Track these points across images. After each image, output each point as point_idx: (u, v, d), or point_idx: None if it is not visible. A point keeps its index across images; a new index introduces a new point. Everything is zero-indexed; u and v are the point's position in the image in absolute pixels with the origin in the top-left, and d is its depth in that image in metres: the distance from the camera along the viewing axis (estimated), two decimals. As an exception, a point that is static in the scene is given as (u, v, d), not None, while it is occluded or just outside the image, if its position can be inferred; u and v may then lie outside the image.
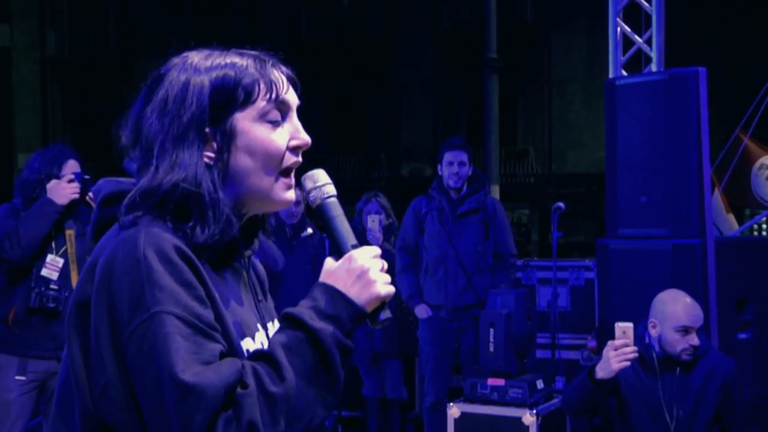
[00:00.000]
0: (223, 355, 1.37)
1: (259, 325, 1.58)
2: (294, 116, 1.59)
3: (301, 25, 22.70)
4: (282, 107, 1.56)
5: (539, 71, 21.66)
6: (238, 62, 1.55)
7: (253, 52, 1.59)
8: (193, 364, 1.31)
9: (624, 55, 5.89)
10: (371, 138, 22.95)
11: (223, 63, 1.54)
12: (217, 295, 1.44)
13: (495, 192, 13.33)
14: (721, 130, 13.08)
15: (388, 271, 1.54)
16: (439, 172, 5.94)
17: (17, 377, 4.39)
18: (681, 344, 3.96)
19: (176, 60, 1.56)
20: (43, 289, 4.36)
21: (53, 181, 4.38)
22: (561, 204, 6.02)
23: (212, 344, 1.36)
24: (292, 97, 1.59)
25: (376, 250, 1.53)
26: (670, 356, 3.98)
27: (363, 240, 6.12)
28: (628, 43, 5.90)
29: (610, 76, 5.75)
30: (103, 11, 23.82)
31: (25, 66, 23.96)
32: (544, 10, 21.48)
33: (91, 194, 4.34)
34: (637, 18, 5.88)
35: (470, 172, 5.91)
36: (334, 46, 22.19)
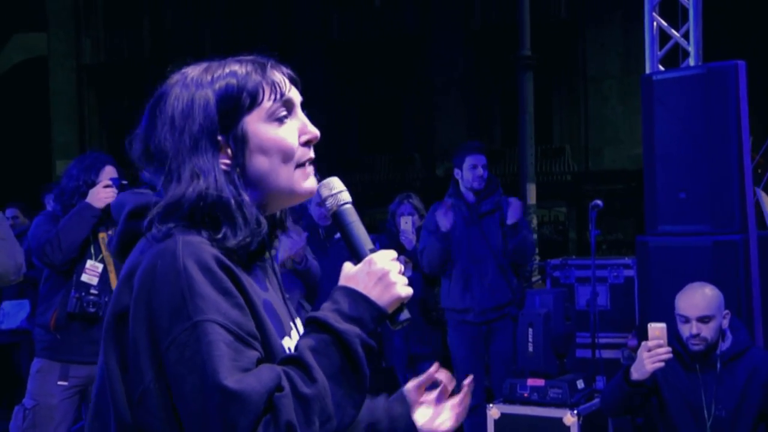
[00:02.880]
0: (259, 361, 1.41)
1: (291, 323, 1.63)
2: (300, 112, 1.62)
3: (333, 26, 22.75)
4: (287, 105, 1.59)
5: (574, 68, 21.50)
6: (238, 70, 1.58)
7: (250, 57, 1.61)
8: (234, 371, 1.35)
9: (661, 49, 5.82)
10: (405, 138, 22.93)
11: (223, 73, 1.57)
12: (256, 300, 1.48)
13: (531, 191, 13.26)
14: (760, 123, 12.90)
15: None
16: (457, 176, 5.91)
17: (59, 382, 4.43)
18: (684, 333, 3.94)
19: (176, 77, 1.60)
20: (83, 294, 4.40)
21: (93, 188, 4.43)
22: (599, 201, 5.96)
23: (250, 351, 1.40)
24: (295, 95, 1.62)
25: (393, 253, 1.57)
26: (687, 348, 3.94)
27: (397, 241, 6.11)
28: (664, 37, 5.83)
29: (647, 71, 5.67)
30: (137, 17, 24.06)
31: (61, 74, 24.27)
32: (579, 5, 21.32)
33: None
34: (673, 12, 5.80)
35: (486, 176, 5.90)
36: (366, 46, 22.21)
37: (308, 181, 1.60)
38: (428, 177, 21.70)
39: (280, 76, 1.59)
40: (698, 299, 3.93)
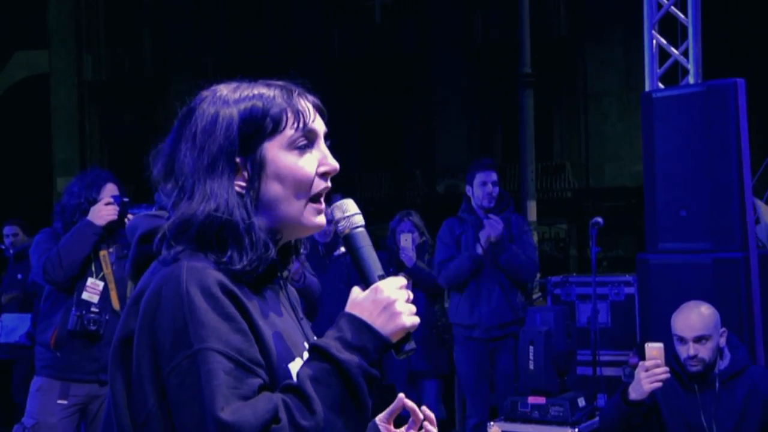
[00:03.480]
0: (263, 388, 1.41)
1: (305, 344, 1.61)
2: (322, 143, 1.62)
3: (334, 43, 22.83)
4: (310, 135, 1.59)
5: (574, 85, 21.56)
6: (266, 93, 1.58)
7: (280, 83, 1.62)
8: (232, 400, 1.35)
9: (660, 67, 5.83)
10: (406, 155, 22.96)
11: (250, 95, 1.57)
12: (261, 325, 1.47)
13: (532, 208, 13.27)
14: (760, 140, 12.92)
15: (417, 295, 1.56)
16: (468, 193, 5.92)
17: (59, 401, 4.42)
18: (682, 354, 3.92)
19: (205, 93, 1.60)
20: (84, 312, 4.40)
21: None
22: (599, 219, 5.95)
23: (252, 379, 1.40)
24: (319, 125, 1.62)
25: (402, 281, 1.55)
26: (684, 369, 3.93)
27: (396, 258, 6.11)
28: (664, 55, 5.84)
29: (647, 89, 5.69)
30: (138, 34, 24.14)
31: (63, 91, 24.33)
32: (579, 23, 21.40)
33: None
34: (673, 30, 5.82)
35: (498, 192, 5.89)
36: (367, 62, 22.28)
37: (318, 218, 1.59)
38: (429, 194, 21.71)
39: (305, 105, 1.60)
40: (694, 319, 3.91)
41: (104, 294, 4.48)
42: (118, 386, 1.48)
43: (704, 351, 3.88)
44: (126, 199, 4.51)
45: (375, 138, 23.05)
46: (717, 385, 3.91)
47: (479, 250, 5.72)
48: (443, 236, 5.97)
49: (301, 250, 1.70)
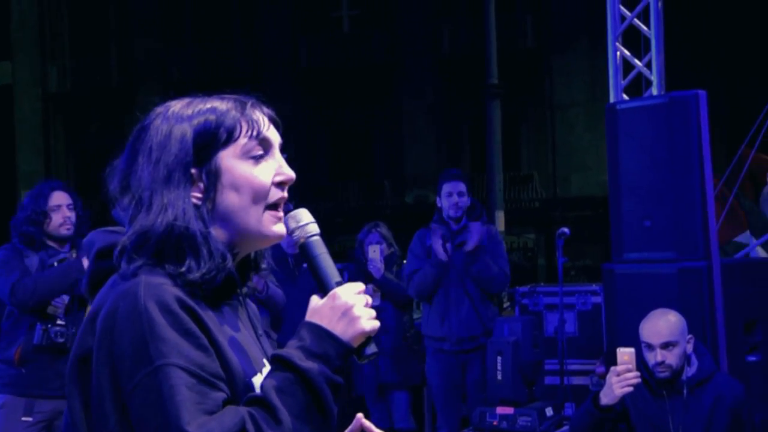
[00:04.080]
0: (226, 402, 1.41)
1: (264, 360, 1.61)
2: (277, 153, 1.62)
3: (302, 53, 22.81)
4: (264, 144, 1.60)
5: (541, 96, 21.71)
6: (219, 106, 1.59)
7: (233, 96, 1.62)
8: (197, 415, 1.35)
9: (624, 79, 5.89)
10: (375, 165, 22.98)
11: (204, 109, 1.58)
12: (221, 339, 1.47)
13: (500, 218, 13.34)
14: (724, 150, 13.07)
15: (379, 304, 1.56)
16: (438, 204, 5.93)
17: (24, 418, 4.37)
18: (650, 361, 3.96)
19: (159, 110, 1.61)
20: (49, 325, 4.35)
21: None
22: (566, 229, 6.00)
23: (215, 393, 1.40)
24: (273, 135, 1.62)
25: (360, 286, 1.56)
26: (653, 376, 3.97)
27: (365, 270, 6.11)
28: (628, 67, 5.90)
29: (611, 100, 5.74)
30: (104, 44, 23.97)
31: (27, 102, 24.09)
32: (545, 34, 21.57)
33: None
34: (636, 42, 5.88)
35: (469, 203, 5.89)
36: (335, 73, 22.29)
37: (276, 226, 1.59)
38: (398, 204, 21.75)
39: (260, 116, 1.60)
40: (661, 326, 3.97)
41: (70, 308, 4.44)
42: (76, 405, 1.47)
43: (671, 357, 3.93)
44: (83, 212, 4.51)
45: (343, 148, 23.06)
46: (685, 391, 3.96)
47: (441, 256, 5.72)
48: (414, 247, 5.98)
49: (263, 265, 1.69)
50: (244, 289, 1.65)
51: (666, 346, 3.93)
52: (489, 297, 5.85)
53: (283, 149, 1.64)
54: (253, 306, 1.75)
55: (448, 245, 5.77)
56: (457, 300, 5.76)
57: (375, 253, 6.08)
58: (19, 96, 24.19)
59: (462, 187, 5.86)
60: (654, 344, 3.94)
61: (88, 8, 24.05)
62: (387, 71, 22.36)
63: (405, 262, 6.24)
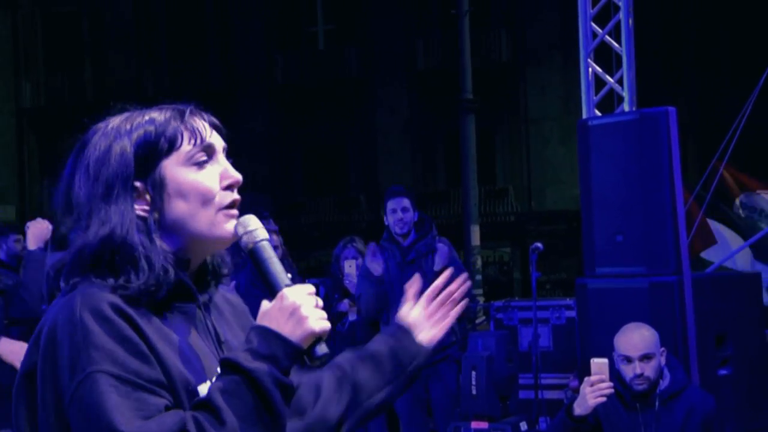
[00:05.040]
0: (168, 409, 1.39)
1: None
2: (222, 157, 1.61)
3: (277, 69, 22.84)
4: (208, 150, 1.58)
5: (515, 110, 21.83)
6: (157, 117, 1.58)
7: (171, 105, 1.61)
8: (134, 420, 1.33)
9: (596, 95, 5.95)
10: (350, 180, 23.01)
11: (142, 121, 1.57)
12: (161, 346, 1.45)
13: (475, 231, 13.38)
14: (698, 164, 13.19)
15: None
16: (386, 222, 5.91)
17: None
18: (628, 374, 3.99)
19: (98, 125, 1.60)
20: None
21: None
22: (539, 244, 6.04)
23: (155, 399, 1.38)
24: (216, 140, 1.61)
25: (310, 288, 1.53)
26: (630, 389, 4.00)
27: (341, 286, 6.11)
28: (600, 83, 5.97)
29: (584, 116, 5.80)
30: (78, 60, 23.88)
31: (0, 118, 23.91)
32: (519, 48, 21.72)
33: None
34: (608, 58, 5.95)
35: (416, 218, 5.85)
36: (310, 89, 22.31)
37: (230, 223, 1.57)
38: (374, 219, 21.72)
39: (200, 122, 1.59)
40: (638, 339, 4.01)
41: None
42: (22, 422, 1.46)
43: (649, 369, 3.97)
44: None
45: (318, 163, 23.07)
46: (657, 404, 4.00)
47: (375, 272, 5.69)
48: (363, 270, 5.89)
49: (224, 271, 1.67)
50: (206, 296, 1.63)
51: (644, 358, 3.97)
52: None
53: (228, 154, 1.63)
54: (240, 306, 1.74)
55: (394, 263, 5.74)
56: None
57: (351, 268, 6.09)
58: (-8, 111, 24.03)
59: (405, 202, 5.80)
60: (633, 357, 3.98)
61: (63, 24, 23.95)
62: (361, 86, 22.42)
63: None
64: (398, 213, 5.77)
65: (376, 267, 5.67)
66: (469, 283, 1.92)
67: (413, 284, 1.90)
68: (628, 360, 3.99)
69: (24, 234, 7.46)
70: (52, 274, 1.51)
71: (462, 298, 1.92)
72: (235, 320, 1.71)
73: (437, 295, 1.90)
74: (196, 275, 1.59)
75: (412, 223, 5.82)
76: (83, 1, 23.76)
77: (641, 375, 3.96)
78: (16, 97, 23.97)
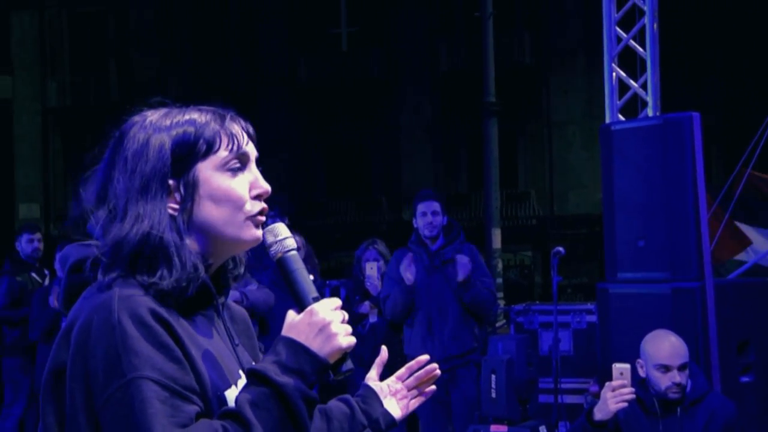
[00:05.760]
0: (200, 416, 1.41)
1: (240, 372, 1.60)
2: (254, 166, 1.62)
3: (301, 70, 22.87)
4: (243, 158, 1.60)
5: (539, 113, 21.78)
6: (198, 118, 1.59)
7: (211, 108, 1.62)
8: (170, 428, 1.35)
9: (620, 99, 5.92)
10: (372, 182, 23.02)
11: (183, 120, 1.58)
12: (195, 353, 1.47)
13: (497, 235, 13.33)
14: (722, 169, 13.12)
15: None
16: (415, 225, 5.94)
17: None
18: (664, 382, 3.96)
19: (136, 118, 1.61)
20: None
21: None
22: (561, 248, 6.02)
23: (189, 406, 1.40)
24: (251, 150, 1.63)
25: (336, 302, 1.56)
26: (662, 397, 3.98)
27: (362, 287, 6.12)
28: (624, 87, 5.94)
29: (607, 120, 5.78)
30: (103, 60, 24.04)
31: (26, 117, 24.12)
32: (543, 52, 21.65)
33: None
34: (633, 63, 5.92)
35: (445, 222, 5.89)
36: (333, 90, 22.35)
37: (258, 230, 1.59)
38: (395, 220, 21.76)
39: (238, 129, 1.60)
40: (678, 348, 3.99)
41: None
42: (50, 419, 1.46)
43: (685, 378, 3.97)
44: None
45: (341, 165, 23.10)
46: (679, 411, 3.98)
47: (408, 281, 5.71)
48: (390, 270, 5.95)
49: (240, 271, 1.69)
50: (221, 299, 1.65)
51: (683, 367, 3.96)
52: (471, 314, 5.83)
53: (258, 163, 1.64)
54: (237, 313, 1.75)
55: (421, 266, 5.76)
56: (439, 319, 5.75)
57: (372, 270, 6.11)
58: (18, 110, 24.23)
59: (436, 206, 5.86)
60: (672, 366, 3.95)
61: (88, 25, 24.12)
62: (384, 88, 22.43)
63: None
64: (428, 216, 5.81)
65: (410, 276, 5.70)
66: (438, 373, 1.95)
67: (382, 356, 1.95)
68: (666, 368, 3.96)
69: (43, 233, 7.62)
70: (89, 265, 1.51)
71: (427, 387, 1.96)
72: (234, 324, 1.73)
73: (410, 375, 1.94)
74: (213, 277, 1.60)
75: (441, 227, 5.85)
76: (109, 2, 23.93)
77: (679, 383, 3.94)
78: (42, 97, 24.17)
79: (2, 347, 7.31)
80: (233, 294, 4.96)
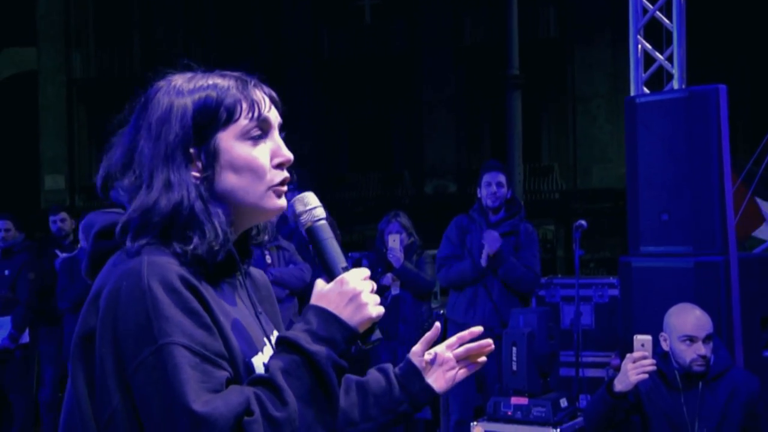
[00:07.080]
0: (229, 382, 1.41)
1: (264, 339, 1.61)
2: (276, 134, 1.61)
3: (324, 44, 22.82)
4: (264, 125, 1.59)
5: (563, 87, 21.61)
6: (220, 83, 1.58)
7: (235, 74, 1.62)
8: (202, 393, 1.35)
9: (645, 72, 5.87)
10: (394, 156, 22.99)
11: (205, 85, 1.58)
12: (223, 320, 1.47)
13: (518, 209, 13.29)
14: (748, 144, 12.98)
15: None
16: (478, 194, 6.00)
17: None
18: (689, 354, 3.95)
19: (161, 83, 1.60)
20: None
21: None
22: (583, 222, 6.01)
23: (219, 372, 1.40)
24: (273, 116, 1.61)
25: (366, 272, 1.57)
26: (686, 370, 3.97)
27: (385, 260, 6.14)
28: (649, 60, 5.88)
29: (632, 93, 5.73)
30: (128, 33, 24.08)
31: (51, 89, 24.24)
32: (567, 25, 21.46)
33: None
34: (658, 35, 5.86)
35: (509, 195, 5.96)
36: (356, 64, 22.29)
37: (280, 200, 1.59)
38: (417, 194, 21.75)
39: (261, 95, 1.59)
40: (703, 320, 3.98)
41: None
42: (80, 383, 1.46)
43: (709, 350, 3.96)
44: None
45: (363, 139, 23.07)
46: (701, 384, 3.97)
47: (483, 263, 5.77)
48: (450, 233, 6.04)
49: (264, 238, 1.69)
50: (244, 267, 1.65)
51: (708, 338, 3.95)
52: (515, 293, 5.88)
53: (282, 129, 1.63)
54: (260, 281, 1.75)
55: (478, 236, 5.84)
56: (484, 290, 5.83)
57: (395, 242, 6.13)
58: (43, 82, 24.35)
59: (501, 178, 5.94)
60: (698, 337, 3.93)
61: (113, -3, 24.18)
62: (408, 61, 22.33)
63: (437, 248, 6.23)
64: (492, 186, 5.89)
65: (485, 260, 5.77)
66: (492, 348, 1.89)
67: (434, 331, 1.89)
68: (692, 340, 3.95)
69: (70, 213, 7.73)
70: (119, 230, 1.51)
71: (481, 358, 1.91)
72: (257, 291, 1.73)
73: (460, 345, 1.90)
74: (236, 245, 1.60)
75: (503, 200, 5.90)
76: (133, -26, 23.95)
77: (704, 356, 3.93)
78: (67, 68, 24.27)
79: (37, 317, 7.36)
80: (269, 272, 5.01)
